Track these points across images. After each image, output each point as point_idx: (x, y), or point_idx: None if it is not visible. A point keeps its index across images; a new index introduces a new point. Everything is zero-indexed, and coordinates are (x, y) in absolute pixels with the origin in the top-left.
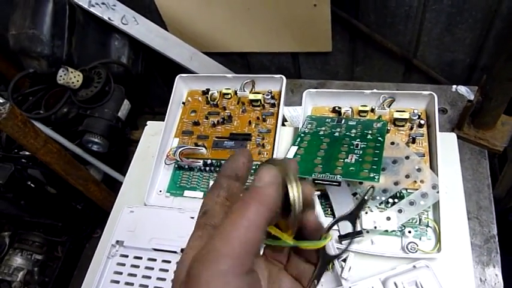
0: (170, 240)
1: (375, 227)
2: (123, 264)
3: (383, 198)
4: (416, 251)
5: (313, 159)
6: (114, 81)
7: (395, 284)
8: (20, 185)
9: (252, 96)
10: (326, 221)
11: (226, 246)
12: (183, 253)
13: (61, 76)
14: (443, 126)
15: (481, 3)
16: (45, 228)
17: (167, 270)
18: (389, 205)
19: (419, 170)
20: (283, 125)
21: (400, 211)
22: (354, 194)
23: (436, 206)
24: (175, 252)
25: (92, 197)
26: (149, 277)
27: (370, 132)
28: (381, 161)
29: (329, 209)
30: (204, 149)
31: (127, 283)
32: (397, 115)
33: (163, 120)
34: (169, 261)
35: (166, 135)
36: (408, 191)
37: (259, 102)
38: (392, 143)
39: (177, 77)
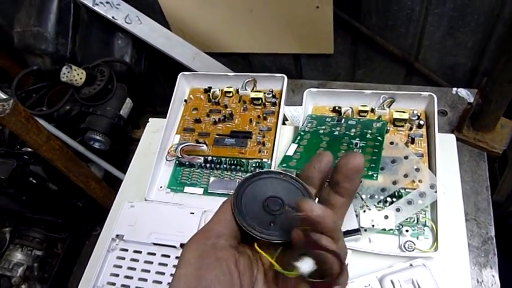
0: (170, 235)
1: (373, 225)
2: (123, 258)
3: (381, 197)
4: (414, 250)
5: None
6: (116, 79)
7: (391, 281)
8: (22, 181)
9: (253, 95)
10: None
11: None
12: None
13: (64, 74)
14: (443, 128)
15: (483, 7)
16: (46, 224)
17: (166, 265)
18: (388, 204)
19: (417, 169)
20: (283, 124)
21: (398, 210)
22: None
23: (433, 206)
24: (174, 246)
25: (93, 195)
26: (148, 271)
27: (369, 131)
28: (379, 160)
29: None
30: (205, 146)
31: (126, 276)
32: (396, 115)
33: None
34: (168, 256)
35: (167, 132)
36: (406, 190)
37: (260, 101)
38: (392, 143)
39: (180, 74)
